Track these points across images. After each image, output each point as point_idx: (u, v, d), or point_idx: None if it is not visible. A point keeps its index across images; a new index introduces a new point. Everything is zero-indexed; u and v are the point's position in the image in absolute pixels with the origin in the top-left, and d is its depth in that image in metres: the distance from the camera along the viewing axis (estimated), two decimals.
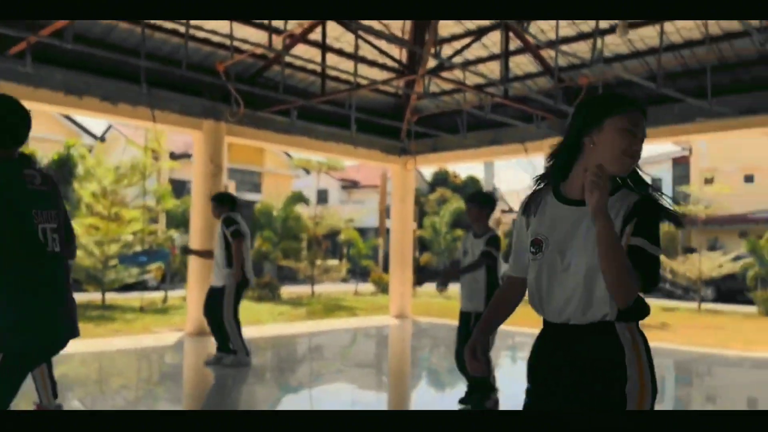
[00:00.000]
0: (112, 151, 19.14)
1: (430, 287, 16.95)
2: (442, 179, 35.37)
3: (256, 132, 9.01)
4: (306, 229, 18.00)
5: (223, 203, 6.34)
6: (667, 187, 25.93)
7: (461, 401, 4.69)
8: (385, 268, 26.54)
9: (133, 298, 14.40)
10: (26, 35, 5.92)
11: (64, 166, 18.09)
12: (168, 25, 7.44)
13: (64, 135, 21.54)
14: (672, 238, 20.28)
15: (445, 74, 9.51)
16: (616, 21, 7.81)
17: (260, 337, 8.85)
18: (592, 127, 1.79)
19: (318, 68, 8.76)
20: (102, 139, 24.02)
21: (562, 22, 8.09)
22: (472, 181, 34.52)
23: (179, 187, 23.42)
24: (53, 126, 23.02)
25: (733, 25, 7.51)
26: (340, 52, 8.86)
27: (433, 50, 7.60)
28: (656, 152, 27.90)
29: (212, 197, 6.53)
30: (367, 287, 19.98)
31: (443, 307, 15.43)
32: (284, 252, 17.56)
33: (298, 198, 18.58)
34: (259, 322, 11.10)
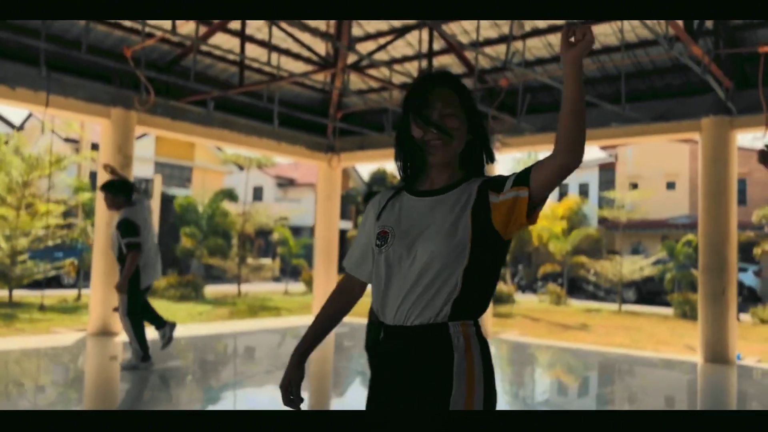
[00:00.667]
0: (32, 140, 18.12)
1: None
2: (380, 179, 35.36)
3: (171, 123, 8.62)
4: (234, 226, 17.52)
5: (117, 192, 5.62)
6: (593, 192, 26.78)
7: None
8: None
9: (46, 295, 13.63)
10: None
11: None
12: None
13: None
14: (596, 240, 20.90)
15: (371, 71, 9.40)
16: (539, 23, 7.89)
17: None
18: (408, 125, 1.64)
19: (237, 58, 8.48)
20: (20, 128, 22.74)
21: (485, 24, 8.12)
22: None
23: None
24: None
25: (647, 33, 7.71)
26: (261, 43, 8.59)
27: (347, 43, 7.42)
28: (584, 158, 28.72)
29: (102, 186, 5.71)
30: (299, 287, 19.68)
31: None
32: (210, 250, 17.02)
33: (227, 194, 18.07)
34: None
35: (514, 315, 14.29)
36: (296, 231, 26.31)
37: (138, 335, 5.73)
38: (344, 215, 31.48)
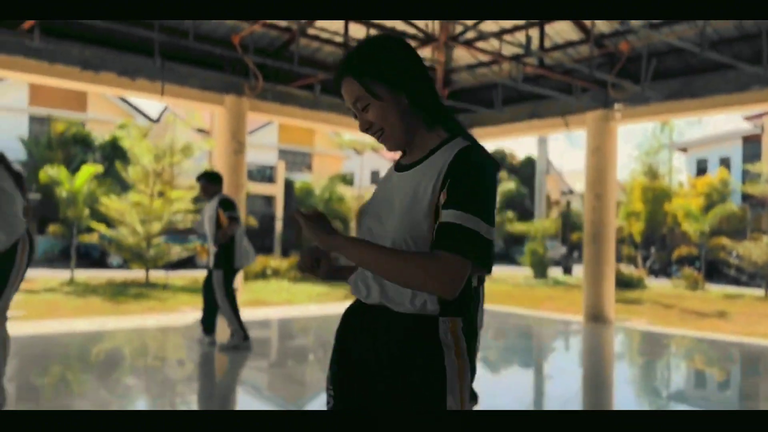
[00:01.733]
0: (167, 132, 19.55)
1: None
2: (499, 159, 34.52)
3: (281, 107, 8.79)
4: (349, 209, 17.81)
5: (214, 182, 6.01)
6: (736, 166, 24.28)
7: None
8: None
9: (178, 276, 14.65)
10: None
11: (116, 147, 18.60)
12: None
13: (119, 117, 22.15)
14: (740, 219, 18.94)
15: (479, 44, 9.00)
16: None
17: (264, 318, 8.72)
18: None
19: (342, 40, 8.43)
20: (157, 120, 24.56)
21: None
22: (529, 161, 33.48)
23: None
24: (109, 108, 23.70)
25: None
26: (364, 23, 8.49)
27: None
28: (724, 130, 26.15)
29: (200, 176, 6.08)
30: None
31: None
32: None
33: (341, 178, 18.39)
34: (288, 302, 11.01)
35: (643, 301, 13.33)
36: None
37: (236, 315, 5.92)
38: None
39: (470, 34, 8.97)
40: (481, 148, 1.37)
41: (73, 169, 16.14)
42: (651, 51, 8.22)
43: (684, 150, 28.35)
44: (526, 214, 27.00)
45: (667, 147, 25.68)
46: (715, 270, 18.51)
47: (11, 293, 3.53)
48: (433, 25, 8.99)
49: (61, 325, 7.48)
